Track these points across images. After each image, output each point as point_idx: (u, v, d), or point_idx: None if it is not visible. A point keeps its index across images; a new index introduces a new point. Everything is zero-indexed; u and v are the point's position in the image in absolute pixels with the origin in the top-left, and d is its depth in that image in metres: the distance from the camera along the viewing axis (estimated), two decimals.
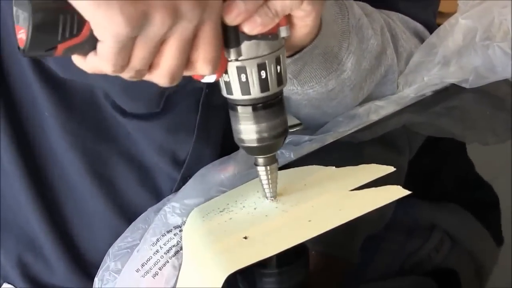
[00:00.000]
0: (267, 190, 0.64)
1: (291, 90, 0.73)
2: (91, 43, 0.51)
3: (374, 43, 0.76)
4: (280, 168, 0.67)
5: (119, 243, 0.72)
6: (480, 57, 0.81)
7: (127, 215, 0.78)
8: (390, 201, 0.62)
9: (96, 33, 0.50)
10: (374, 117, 0.80)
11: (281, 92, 0.60)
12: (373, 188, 0.64)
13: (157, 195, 0.80)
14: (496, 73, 0.81)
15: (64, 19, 0.49)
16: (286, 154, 0.75)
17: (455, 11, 0.84)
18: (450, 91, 0.82)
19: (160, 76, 0.54)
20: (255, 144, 0.60)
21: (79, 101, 0.77)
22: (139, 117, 0.77)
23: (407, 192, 0.63)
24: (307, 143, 0.78)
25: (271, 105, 0.59)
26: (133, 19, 0.48)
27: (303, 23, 0.60)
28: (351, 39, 0.72)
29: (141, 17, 0.48)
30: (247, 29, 0.55)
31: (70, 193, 0.81)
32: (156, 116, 0.77)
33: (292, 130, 0.86)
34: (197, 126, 0.77)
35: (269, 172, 0.63)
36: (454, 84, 0.83)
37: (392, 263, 0.61)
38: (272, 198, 0.65)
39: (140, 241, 0.70)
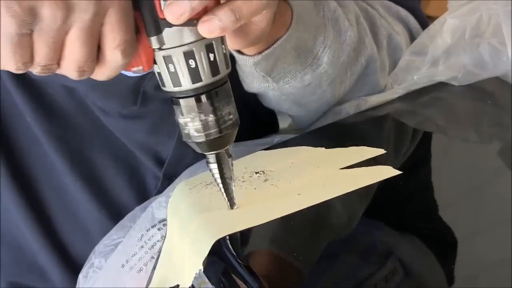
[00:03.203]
0: (224, 192, 0.58)
1: (267, 86, 0.71)
2: None
3: (351, 35, 0.73)
4: (266, 149, 0.66)
5: (104, 241, 0.72)
6: (469, 55, 0.80)
7: (121, 218, 0.77)
8: (380, 179, 0.61)
9: None
10: None
11: (224, 80, 0.55)
12: (363, 167, 0.62)
13: (146, 194, 0.79)
14: (487, 70, 0.80)
15: None
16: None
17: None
18: (439, 85, 0.81)
19: (68, 69, 0.52)
20: (203, 140, 0.55)
21: (60, 104, 0.77)
22: (121, 116, 0.76)
23: (397, 172, 0.62)
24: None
25: (216, 94, 0.53)
26: (19, 17, 0.46)
27: (259, 18, 0.57)
28: (327, 32, 0.70)
29: (28, 14, 0.47)
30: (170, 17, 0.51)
31: (63, 200, 0.81)
32: (136, 116, 0.76)
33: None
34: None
35: (224, 169, 0.57)
36: None
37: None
38: (234, 202, 0.58)
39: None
